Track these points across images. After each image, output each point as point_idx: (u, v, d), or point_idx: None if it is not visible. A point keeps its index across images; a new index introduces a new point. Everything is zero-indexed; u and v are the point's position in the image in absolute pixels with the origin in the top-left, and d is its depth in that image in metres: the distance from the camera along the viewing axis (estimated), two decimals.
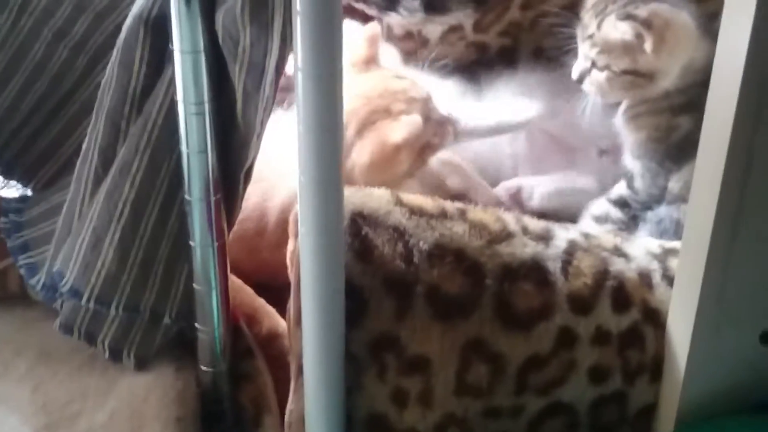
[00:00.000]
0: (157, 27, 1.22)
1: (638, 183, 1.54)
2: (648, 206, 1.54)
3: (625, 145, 1.57)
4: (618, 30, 1.47)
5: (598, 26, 1.50)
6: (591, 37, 1.51)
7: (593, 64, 1.51)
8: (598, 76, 1.51)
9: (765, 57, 1.05)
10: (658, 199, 1.53)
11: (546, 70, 1.73)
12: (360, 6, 1.62)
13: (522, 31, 1.76)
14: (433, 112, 1.52)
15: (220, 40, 1.17)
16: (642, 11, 1.46)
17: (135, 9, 1.24)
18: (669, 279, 1.27)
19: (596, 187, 1.63)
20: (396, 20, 1.64)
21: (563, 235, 1.30)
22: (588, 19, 1.53)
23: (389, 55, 1.68)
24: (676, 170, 1.51)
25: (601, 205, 1.59)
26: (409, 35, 1.74)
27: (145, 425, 1.30)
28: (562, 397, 1.27)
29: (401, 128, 1.45)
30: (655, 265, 1.30)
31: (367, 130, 1.46)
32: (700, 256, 1.17)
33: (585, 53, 1.53)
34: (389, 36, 1.76)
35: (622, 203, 1.56)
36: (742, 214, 1.14)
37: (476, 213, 1.27)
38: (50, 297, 1.36)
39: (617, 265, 1.28)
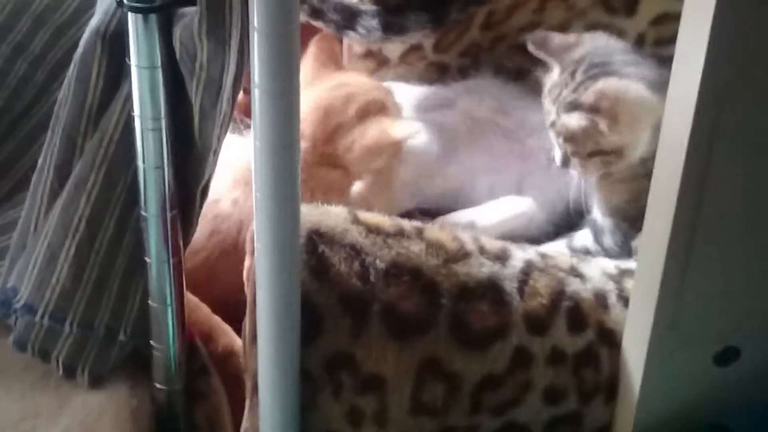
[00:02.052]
0: (114, 42, 1.22)
1: (607, 240, 1.52)
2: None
3: (595, 201, 1.54)
4: (571, 119, 1.45)
5: (558, 113, 1.48)
6: (554, 124, 1.50)
7: (566, 151, 1.49)
8: (575, 162, 1.48)
9: (719, 75, 1.05)
10: (626, 256, 1.49)
11: (505, 80, 1.74)
12: (318, 24, 1.62)
13: (482, 51, 1.76)
14: None
15: (178, 56, 1.16)
16: (588, 96, 1.44)
17: (93, 23, 1.23)
18: (624, 300, 1.28)
19: (537, 208, 1.62)
20: (355, 39, 1.65)
21: (520, 255, 1.30)
22: (548, 105, 1.51)
23: None
24: None
25: (559, 250, 1.54)
26: (369, 54, 1.75)
27: None
28: (517, 417, 1.27)
29: (404, 127, 1.57)
30: (610, 286, 1.30)
31: (368, 117, 1.57)
32: (654, 277, 1.17)
33: (554, 140, 1.51)
34: (350, 54, 1.77)
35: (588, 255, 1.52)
36: (696, 236, 1.14)
37: (433, 232, 1.27)
38: (4, 313, 1.34)
39: (573, 285, 1.28)
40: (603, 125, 1.42)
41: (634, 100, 1.43)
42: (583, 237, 1.55)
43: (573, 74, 1.48)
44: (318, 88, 1.62)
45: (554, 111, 1.49)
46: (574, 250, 1.54)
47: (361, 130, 1.55)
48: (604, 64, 1.48)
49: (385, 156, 1.55)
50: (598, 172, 1.49)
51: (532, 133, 1.60)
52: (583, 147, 1.46)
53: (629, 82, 1.44)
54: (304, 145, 1.52)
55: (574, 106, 1.44)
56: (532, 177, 1.65)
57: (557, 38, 1.55)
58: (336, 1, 1.64)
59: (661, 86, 1.43)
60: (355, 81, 1.64)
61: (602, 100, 1.42)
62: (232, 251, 1.49)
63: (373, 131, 1.55)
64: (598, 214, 1.54)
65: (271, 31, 0.99)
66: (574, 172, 1.51)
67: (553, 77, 1.51)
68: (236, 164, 1.53)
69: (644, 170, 1.45)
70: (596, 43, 1.53)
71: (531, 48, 1.55)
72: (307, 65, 1.66)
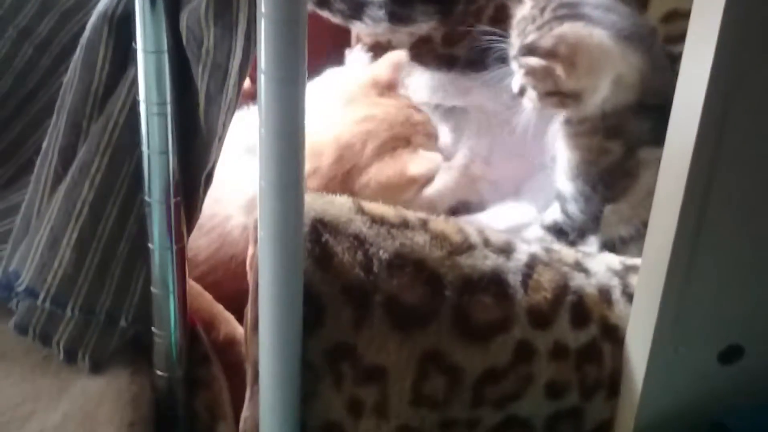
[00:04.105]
0: (121, 26, 1.22)
1: (572, 207, 1.52)
2: (583, 234, 1.52)
3: (559, 165, 1.54)
4: (530, 60, 1.44)
5: (519, 50, 1.47)
6: (516, 58, 1.49)
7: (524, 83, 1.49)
8: (531, 94, 1.48)
9: (727, 74, 1.05)
10: (592, 228, 1.51)
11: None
12: (325, 14, 1.62)
13: None
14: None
15: (184, 41, 1.16)
16: (547, 40, 1.42)
17: (100, 7, 1.23)
18: (628, 296, 1.27)
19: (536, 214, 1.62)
20: (362, 29, 1.64)
21: (524, 248, 1.29)
22: (514, 38, 1.50)
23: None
24: (611, 200, 1.50)
25: (534, 231, 1.56)
26: (377, 45, 1.74)
27: (97, 429, 1.28)
28: (518, 411, 1.27)
29: (422, 163, 1.53)
30: (615, 282, 1.30)
31: (387, 153, 1.54)
32: (659, 274, 1.16)
33: (515, 70, 1.50)
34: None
35: (557, 230, 1.54)
36: (701, 234, 1.14)
37: (438, 223, 1.27)
38: (6, 296, 1.34)
39: (577, 280, 1.28)
40: (560, 70, 1.42)
41: (596, 47, 1.42)
42: (552, 212, 1.56)
43: (542, 11, 1.47)
44: (346, 118, 1.58)
45: (518, 45, 1.48)
46: (546, 228, 1.55)
47: (378, 167, 1.53)
48: (573, 5, 1.47)
49: (402, 193, 1.52)
50: (554, 109, 1.50)
51: (536, 134, 1.60)
52: (542, 85, 1.46)
53: (593, 29, 1.43)
54: (318, 182, 1.50)
55: (528, 51, 1.44)
56: (530, 180, 1.65)
57: None
58: None
59: (628, 37, 1.43)
60: (384, 114, 1.58)
61: (560, 45, 1.42)
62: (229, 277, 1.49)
63: (389, 169, 1.52)
64: (562, 179, 1.54)
65: (278, 17, 0.99)
66: (527, 104, 1.50)
67: (523, 10, 1.50)
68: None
69: (603, 125, 1.46)
70: None
71: None
72: (363, 81, 1.63)
